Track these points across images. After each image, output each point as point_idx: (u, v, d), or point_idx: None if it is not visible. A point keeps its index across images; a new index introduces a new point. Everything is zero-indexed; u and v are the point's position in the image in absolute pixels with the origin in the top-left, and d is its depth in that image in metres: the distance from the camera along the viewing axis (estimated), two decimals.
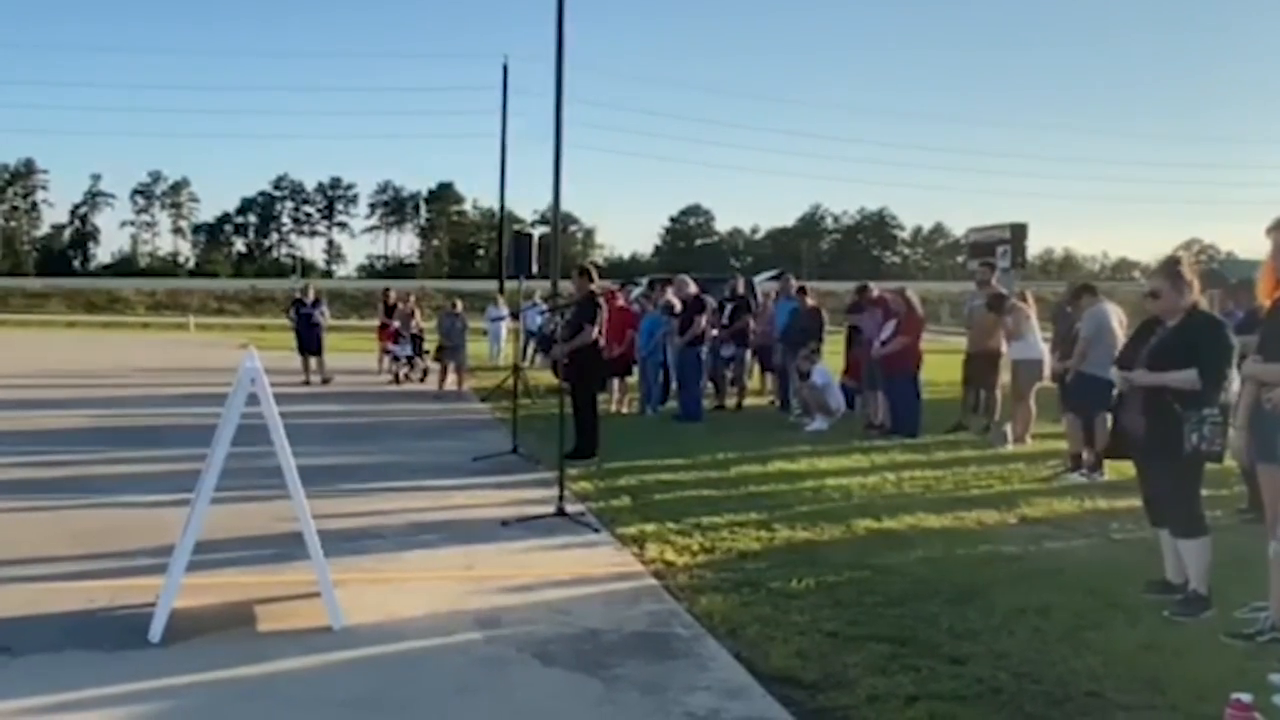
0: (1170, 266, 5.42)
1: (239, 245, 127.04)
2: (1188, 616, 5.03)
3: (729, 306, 14.72)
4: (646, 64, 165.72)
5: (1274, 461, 4.92)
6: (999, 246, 20.04)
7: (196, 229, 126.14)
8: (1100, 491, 8.43)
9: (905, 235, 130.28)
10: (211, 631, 4.77)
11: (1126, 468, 7.43)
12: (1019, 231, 20.46)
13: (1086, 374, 9.06)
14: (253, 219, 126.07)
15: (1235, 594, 5.13)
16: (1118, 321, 9.25)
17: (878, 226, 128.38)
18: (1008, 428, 11.07)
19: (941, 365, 14.73)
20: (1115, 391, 5.70)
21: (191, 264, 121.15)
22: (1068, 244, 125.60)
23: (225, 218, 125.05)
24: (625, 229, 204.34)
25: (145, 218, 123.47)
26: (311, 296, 18.47)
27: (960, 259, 51.70)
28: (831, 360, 13.69)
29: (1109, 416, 9.01)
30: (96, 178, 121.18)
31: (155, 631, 4.60)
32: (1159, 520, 5.45)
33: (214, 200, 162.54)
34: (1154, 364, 5.25)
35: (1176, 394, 5.11)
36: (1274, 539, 4.60)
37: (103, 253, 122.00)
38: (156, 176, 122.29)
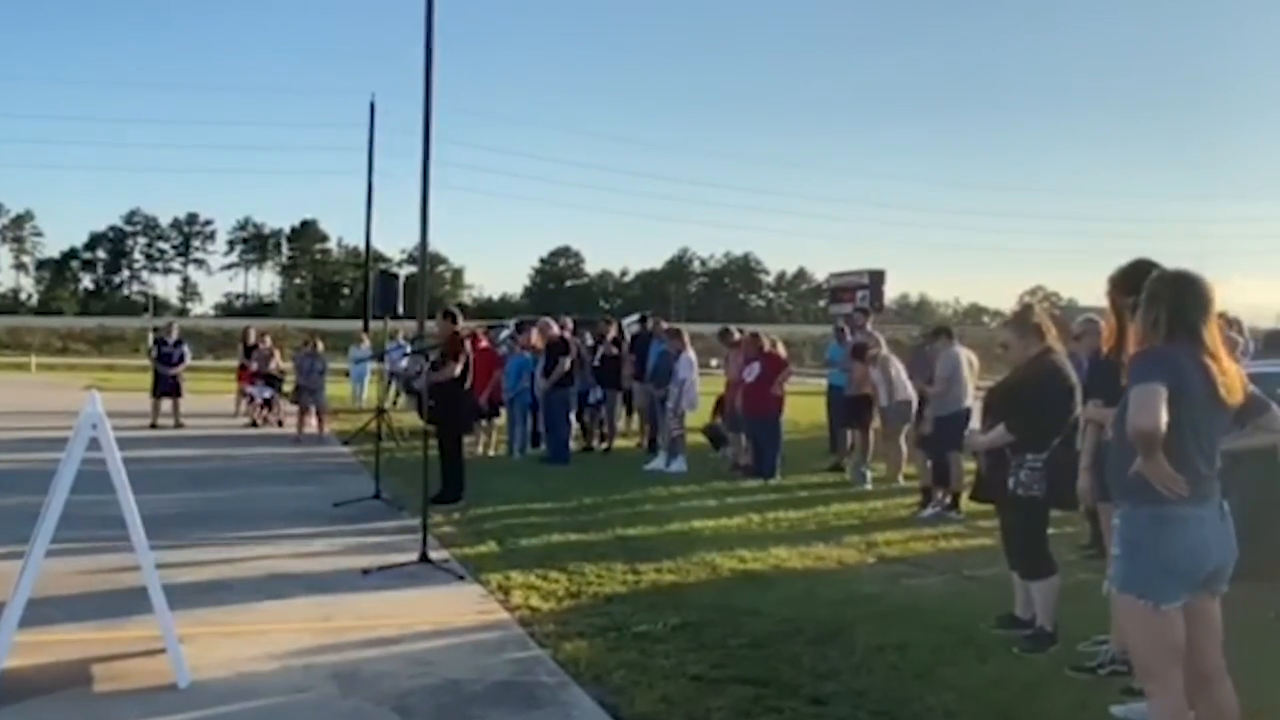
0: (1018, 318, 5.72)
1: (87, 282, 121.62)
2: (1035, 651, 5.23)
3: (599, 350, 14.68)
4: (518, 105, 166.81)
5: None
6: (858, 291, 20.67)
7: (41, 264, 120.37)
8: (954, 530, 8.71)
9: (770, 279, 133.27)
10: (45, 693, 4.48)
11: (979, 506, 7.71)
12: (877, 277, 21.13)
13: (942, 414, 9.38)
14: (102, 254, 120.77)
15: (1079, 628, 5.35)
16: (968, 363, 9.65)
17: (743, 270, 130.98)
18: (866, 469, 11.34)
19: (804, 407, 15.03)
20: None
21: (34, 301, 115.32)
22: (923, 289, 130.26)
23: (72, 253, 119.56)
24: (495, 270, 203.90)
25: None
26: (174, 336, 17.81)
27: (822, 303, 53.12)
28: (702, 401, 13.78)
29: (960, 455, 9.39)
30: None
31: None
32: (1010, 561, 5.67)
33: (60, 235, 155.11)
34: (989, 406, 5.57)
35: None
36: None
37: None
38: None
